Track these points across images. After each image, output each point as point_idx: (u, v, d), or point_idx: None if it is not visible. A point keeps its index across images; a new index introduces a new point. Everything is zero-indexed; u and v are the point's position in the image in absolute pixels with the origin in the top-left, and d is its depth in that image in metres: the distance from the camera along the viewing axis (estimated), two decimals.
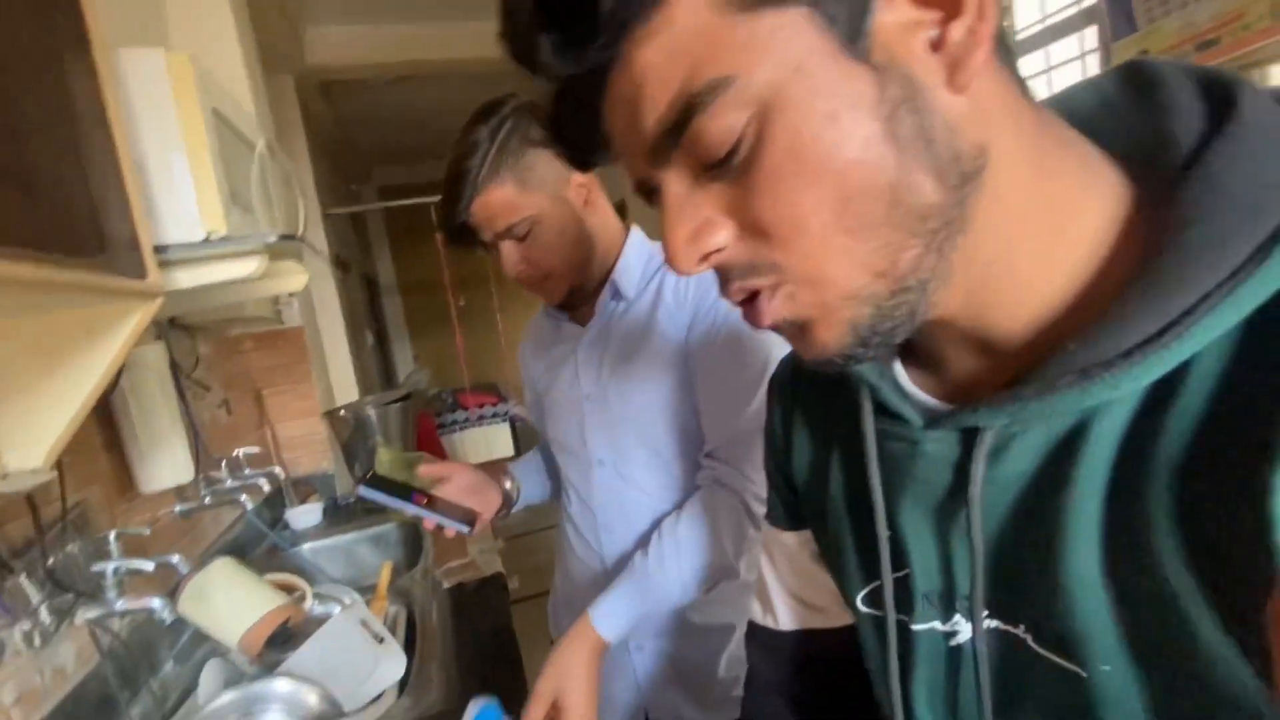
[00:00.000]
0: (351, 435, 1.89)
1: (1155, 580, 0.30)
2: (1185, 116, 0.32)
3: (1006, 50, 0.33)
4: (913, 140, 0.29)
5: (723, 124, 0.30)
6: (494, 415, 4.32)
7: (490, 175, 0.84)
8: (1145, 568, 0.30)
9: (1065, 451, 0.32)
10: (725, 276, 0.34)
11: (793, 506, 0.54)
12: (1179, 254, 0.29)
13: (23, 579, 0.79)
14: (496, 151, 0.83)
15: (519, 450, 4.15)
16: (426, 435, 3.51)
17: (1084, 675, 0.33)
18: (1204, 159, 0.30)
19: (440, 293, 4.25)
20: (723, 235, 0.33)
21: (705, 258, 0.33)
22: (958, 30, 0.29)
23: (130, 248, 0.68)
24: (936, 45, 0.29)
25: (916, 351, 0.40)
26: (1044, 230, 0.32)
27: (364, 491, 0.91)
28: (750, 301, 0.34)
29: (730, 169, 0.31)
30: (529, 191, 0.85)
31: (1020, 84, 0.33)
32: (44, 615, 0.81)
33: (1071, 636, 0.33)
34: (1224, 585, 0.28)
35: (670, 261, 0.34)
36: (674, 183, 0.33)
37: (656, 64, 0.30)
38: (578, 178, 0.88)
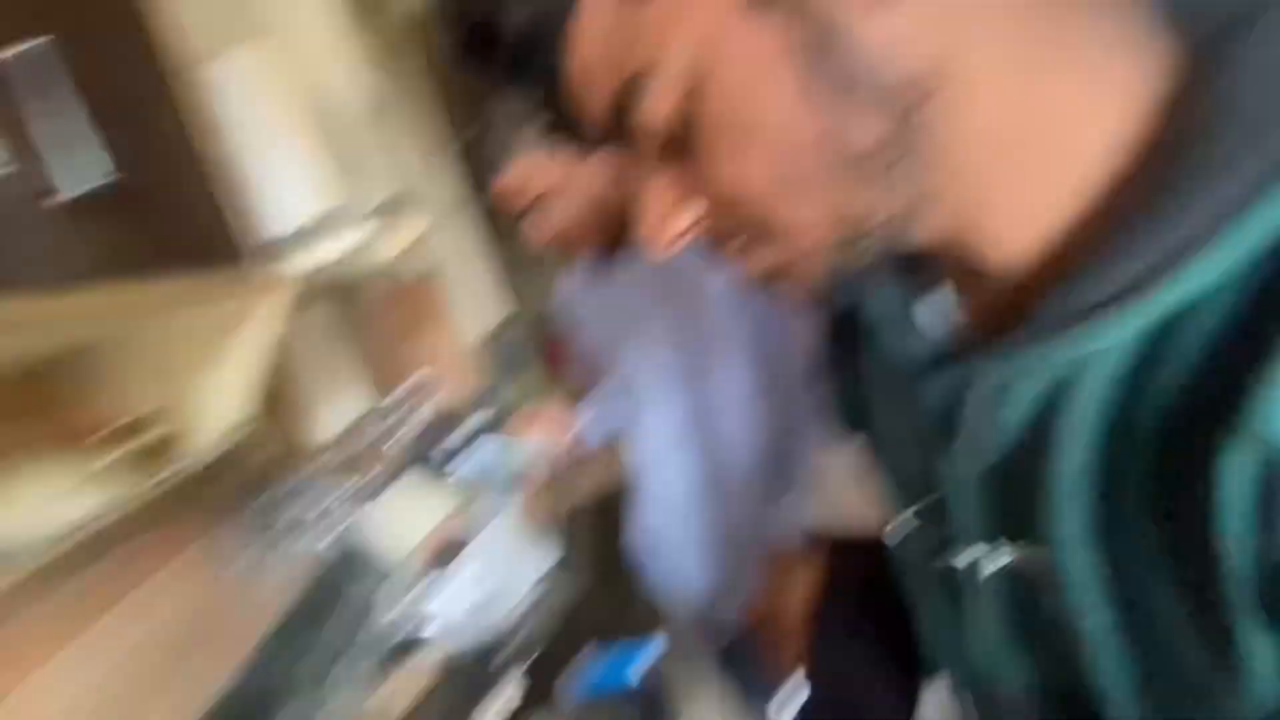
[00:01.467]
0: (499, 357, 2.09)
1: (1130, 549, 0.28)
2: None
3: None
4: (836, 85, 0.27)
5: (654, 115, 0.30)
6: None
7: None
8: (1122, 536, 0.28)
9: (1052, 408, 0.29)
10: (714, 244, 0.35)
11: (847, 420, 0.53)
12: (1182, 173, 0.23)
13: (236, 523, 0.96)
14: None
15: None
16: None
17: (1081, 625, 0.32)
18: (1242, 41, 0.23)
19: None
20: (689, 214, 0.34)
21: (679, 236, 0.34)
22: None
23: (253, 244, 0.74)
24: None
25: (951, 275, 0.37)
26: (1038, 141, 0.27)
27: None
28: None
29: (679, 152, 0.31)
30: None
31: None
32: (258, 551, 0.97)
33: (1065, 582, 0.31)
34: (1181, 560, 0.26)
35: (648, 246, 0.35)
36: (640, 173, 0.34)
37: (589, 63, 0.31)
38: None
